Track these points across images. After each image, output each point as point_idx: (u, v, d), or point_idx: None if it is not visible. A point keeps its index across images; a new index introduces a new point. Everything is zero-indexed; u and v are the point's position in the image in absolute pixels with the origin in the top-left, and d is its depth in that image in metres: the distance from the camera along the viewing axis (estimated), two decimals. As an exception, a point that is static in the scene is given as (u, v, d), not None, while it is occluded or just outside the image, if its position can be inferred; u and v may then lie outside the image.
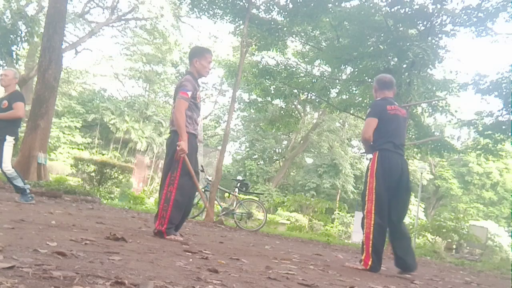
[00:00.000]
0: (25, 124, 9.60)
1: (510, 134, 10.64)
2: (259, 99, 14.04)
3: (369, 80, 10.96)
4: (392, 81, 3.87)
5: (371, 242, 3.31)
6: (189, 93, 3.44)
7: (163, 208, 3.34)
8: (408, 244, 3.52)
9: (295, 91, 12.77)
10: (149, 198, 14.44)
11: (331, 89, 12.91)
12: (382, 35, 10.36)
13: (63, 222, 3.24)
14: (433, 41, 9.85)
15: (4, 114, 4.78)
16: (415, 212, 21.50)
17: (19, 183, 4.85)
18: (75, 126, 27.78)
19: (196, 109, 3.57)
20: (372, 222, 3.33)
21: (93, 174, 11.47)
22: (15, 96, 4.93)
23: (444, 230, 11.34)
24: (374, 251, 3.32)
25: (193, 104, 3.52)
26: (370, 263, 3.32)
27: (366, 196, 3.43)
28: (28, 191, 4.94)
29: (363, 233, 3.41)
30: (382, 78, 3.87)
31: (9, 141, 4.81)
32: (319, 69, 16.65)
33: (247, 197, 9.40)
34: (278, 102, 15.27)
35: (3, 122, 4.81)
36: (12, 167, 4.91)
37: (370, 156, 3.62)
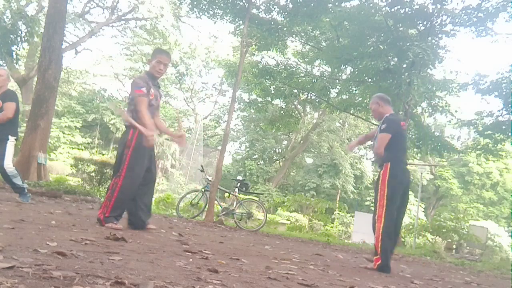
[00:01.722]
0: (25, 124, 9.60)
1: (510, 134, 10.65)
2: (259, 99, 14.03)
3: (369, 80, 10.97)
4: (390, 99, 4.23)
5: (380, 244, 3.60)
6: (143, 89, 3.56)
7: (108, 198, 3.51)
8: (396, 242, 3.95)
9: (295, 91, 12.78)
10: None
11: (331, 89, 12.92)
12: (382, 35, 10.36)
13: (63, 222, 3.24)
14: (433, 41, 9.85)
15: None
16: (415, 212, 21.51)
17: (18, 181, 4.86)
18: (75, 126, 27.78)
19: (149, 106, 3.64)
20: (382, 225, 3.61)
21: (93, 174, 11.45)
22: (8, 95, 4.93)
23: (444, 230, 11.33)
24: (383, 252, 3.57)
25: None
26: (380, 263, 3.57)
27: (377, 202, 3.73)
28: (26, 190, 4.95)
29: (375, 236, 3.69)
30: (384, 96, 4.16)
31: (11, 140, 4.85)
32: (319, 69, 16.66)
33: (247, 197, 9.39)
34: (278, 102, 15.28)
35: (4, 122, 4.82)
36: (13, 166, 4.93)
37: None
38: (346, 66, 11.83)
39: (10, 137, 4.83)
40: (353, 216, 18.97)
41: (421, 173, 20.07)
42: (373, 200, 3.89)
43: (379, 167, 3.90)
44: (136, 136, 3.53)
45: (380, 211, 3.65)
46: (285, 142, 30.98)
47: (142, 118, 3.51)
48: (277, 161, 30.11)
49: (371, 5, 10.03)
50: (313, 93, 13.11)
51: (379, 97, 4.08)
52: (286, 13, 10.59)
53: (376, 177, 4.03)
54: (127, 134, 3.60)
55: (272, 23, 10.72)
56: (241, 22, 10.45)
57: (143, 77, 3.70)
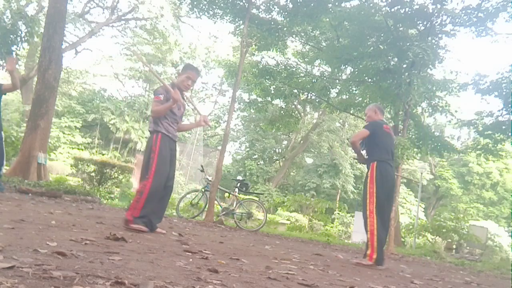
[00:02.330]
0: (25, 124, 9.59)
1: (510, 134, 10.65)
2: (259, 99, 14.02)
3: (369, 80, 10.97)
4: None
5: (375, 237, 3.82)
6: (161, 96, 3.74)
7: (136, 200, 3.60)
8: (387, 236, 4.23)
9: (295, 91, 12.77)
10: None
11: (331, 89, 12.91)
12: (382, 35, 10.36)
13: (63, 222, 3.24)
14: (433, 41, 9.85)
15: None
16: (415, 212, 21.50)
17: None
18: (75, 126, 27.77)
19: (171, 114, 3.82)
20: (375, 220, 3.86)
21: (93, 174, 11.45)
22: None
23: (444, 230, 11.34)
24: (379, 245, 3.82)
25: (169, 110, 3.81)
26: (375, 256, 3.79)
27: (367, 199, 3.99)
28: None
29: (367, 231, 3.90)
30: (380, 106, 4.59)
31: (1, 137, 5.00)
32: (319, 69, 16.66)
33: (247, 197, 9.39)
34: (278, 102, 15.27)
35: None
36: None
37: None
38: (346, 66, 11.82)
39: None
40: (353, 216, 18.97)
41: (421, 173, 20.09)
42: (363, 196, 4.11)
43: (367, 168, 4.21)
44: (160, 140, 3.71)
45: (371, 207, 3.92)
46: (285, 142, 30.99)
47: (160, 109, 3.71)
48: (277, 161, 30.11)
49: (371, 5, 10.02)
50: (313, 93, 13.11)
51: (377, 107, 4.49)
52: (286, 13, 10.59)
53: (364, 177, 4.31)
54: (151, 139, 3.76)
55: (272, 23, 10.72)
56: (241, 22, 10.45)
57: (164, 87, 3.82)
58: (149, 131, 3.85)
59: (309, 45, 13.52)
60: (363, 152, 4.35)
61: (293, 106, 19.77)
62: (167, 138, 3.76)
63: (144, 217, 3.59)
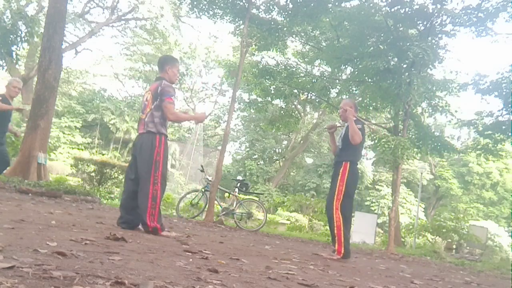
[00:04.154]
0: (25, 124, 9.60)
1: (510, 134, 10.64)
2: (259, 99, 14.02)
3: (369, 80, 10.96)
4: None
5: (342, 232, 4.04)
6: (173, 98, 3.72)
7: (152, 206, 3.53)
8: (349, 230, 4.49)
9: (295, 91, 12.77)
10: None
11: (331, 89, 12.90)
12: (382, 35, 10.35)
13: (63, 222, 3.24)
14: (433, 41, 9.84)
15: None
16: (415, 212, 21.50)
17: None
18: (75, 126, 27.78)
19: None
20: (341, 216, 4.08)
21: (93, 174, 11.45)
22: None
23: (444, 230, 11.34)
24: (345, 239, 4.05)
25: None
26: (343, 251, 4.02)
27: (334, 196, 4.14)
28: None
29: (334, 227, 4.09)
30: (356, 103, 4.73)
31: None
32: (319, 69, 16.64)
33: (247, 197, 9.39)
34: (278, 102, 15.26)
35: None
36: None
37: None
38: (346, 66, 11.82)
39: None
40: (353, 216, 18.96)
41: (421, 173, 20.10)
42: (331, 191, 4.23)
43: (336, 164, 4.31)
44: (163, 143, 3.67)
45: (337, 204, 4.12)
46: (285, 142, 30.99)
47: (182, 117, 3.92)
48: (277, 161, 30.11)
49: (371, 5, 10.01)
50: (313, 93, 13.10)
51: (355, 103, 4.56)
52: (286, 13, 10.58)
53: (332, 175, 4.39)
54: (154, 140, 3.62)
55: (272, 23, 10.71)
56: (241, 22, 10.44)
57: (171, 86, 3.78)
58: (149, 130, 3.66)
59: (309, 45, 13.52)
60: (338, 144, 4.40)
61: (293, 106, 19.77)
62: (166, 139, 3.77)
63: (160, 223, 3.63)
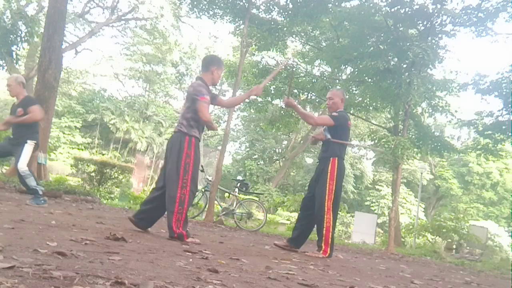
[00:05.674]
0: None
1: (510, 134, 10.64)
2: (259, 99, 14.03)
3: (369, 80, 10.97)
4: None
5: (331, 234, 3.99)
6: (207, 97, 3.46)
7: (179, 211, 3.29)
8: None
9: (295, 91, 12.77)
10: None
11: (331, 89, 12.91)
12: (382, 35, 10.35)
13: (63, 222, 3.24)
14: (433, 41, 9.84)
15: (24, 118, 4.78)
16: (415, 212, 21.50)
17: (31, 182, 4.86)
18: (75, 126, 27.79)
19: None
20: (332, 217, 4.00)
21: (93, 174, 11.46)
22: (27, 101, 4.94)
23: (444, 230, 11.33)
24: (332, 240, 4.04)
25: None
26: (329, 251, 3.99)
27: (325, 195, 4.03)
28: (40, 192, 4.92)
29: (323, 227, 3.99)
30: (344, 93, 4.61)
31: (30, 144, 4.87)
32: (319, 69, 16.64)
33: (247, 197, 9.39)
34: (278, 102, 15.26)
35: (23, 128, 4.84)
36: (27, 167, 4.94)
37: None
38: (346, 66, 11.82)
39: (28, 141, 4.86)
40: (353, 216, 18.97)
41: (421, 173, 20.09)
42: (320, 191, 4.07)
43: (322, 159, 4.24)
44: (194, 145, 3.42)
45: (329, 204, 4.01)
46: (285, 142, 30.99)
47: (207, 122, 3.48)
48: (277, 161, 30.10)
49: (371, 5, 10.02)
50: (313, 93, 13.11)
51: (343, 94, 4.50)
52: (286, 13, 10.59)
53: (319, 170, 4.25)
54: (183, 141, 3.40)
55: (272, 23, 10.72)
56: (241, 22, 10.44)
57: (204, 86, 3.54)
58: (179, 130, 3.44)
59: (309, 45, 13.52)
60: (326, 136, 4.32)
61: (293, 106, 19.71)
62: (198, 143, 3.51)
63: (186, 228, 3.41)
